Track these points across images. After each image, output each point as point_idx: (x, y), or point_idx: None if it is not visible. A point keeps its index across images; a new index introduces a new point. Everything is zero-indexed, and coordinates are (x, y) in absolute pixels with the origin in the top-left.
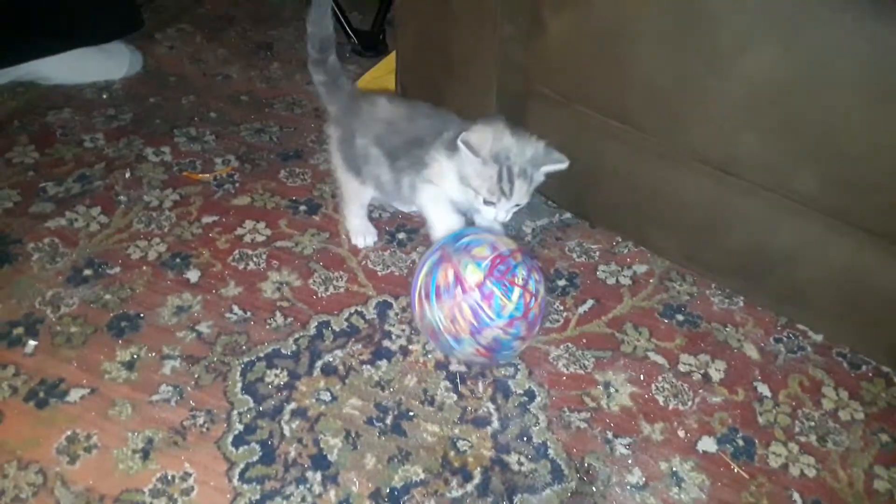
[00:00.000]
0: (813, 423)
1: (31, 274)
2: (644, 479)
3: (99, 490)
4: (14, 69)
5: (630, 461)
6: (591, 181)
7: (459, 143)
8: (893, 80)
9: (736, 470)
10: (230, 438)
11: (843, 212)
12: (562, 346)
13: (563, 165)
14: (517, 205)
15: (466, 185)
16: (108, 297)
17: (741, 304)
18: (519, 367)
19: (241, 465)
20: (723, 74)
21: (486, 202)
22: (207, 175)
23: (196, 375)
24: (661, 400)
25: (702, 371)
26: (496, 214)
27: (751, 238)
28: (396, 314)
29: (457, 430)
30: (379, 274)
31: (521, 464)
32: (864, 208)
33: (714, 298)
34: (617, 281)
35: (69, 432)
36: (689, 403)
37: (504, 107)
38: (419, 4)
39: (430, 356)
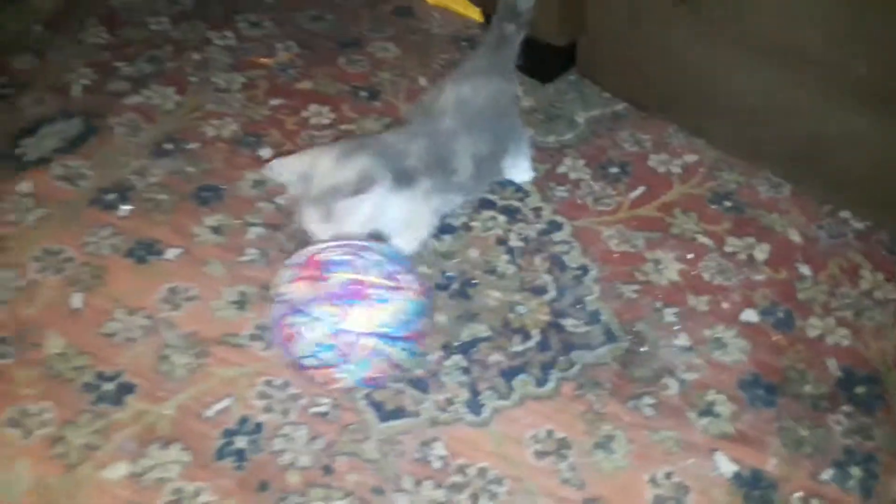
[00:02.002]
0: (849, 301)
1: (116, 146)
2: (690, 343)
3: (201, 334)
4: None
5: (677, 328)
6: (650, 67)
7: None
8: None
9: (775, 338)
10: None
11: None
12: (613, 228)
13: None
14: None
15: None
16: (190, 169)
17: (786, 193)
18: (573, 244)
19: None
20: None
21: None
22: (271, 59)
23: (280, 240)
24: (706, 276)
25: (747, 252)
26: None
27: (803, 126)
28: None
29: (517, 297)
30: None
31: (576, 326)
32: None
33: (761, 188)
34: (667, 170)
35: (169, 285)
36: (734, 280)
37: None
38: None
39: (490, 233)
